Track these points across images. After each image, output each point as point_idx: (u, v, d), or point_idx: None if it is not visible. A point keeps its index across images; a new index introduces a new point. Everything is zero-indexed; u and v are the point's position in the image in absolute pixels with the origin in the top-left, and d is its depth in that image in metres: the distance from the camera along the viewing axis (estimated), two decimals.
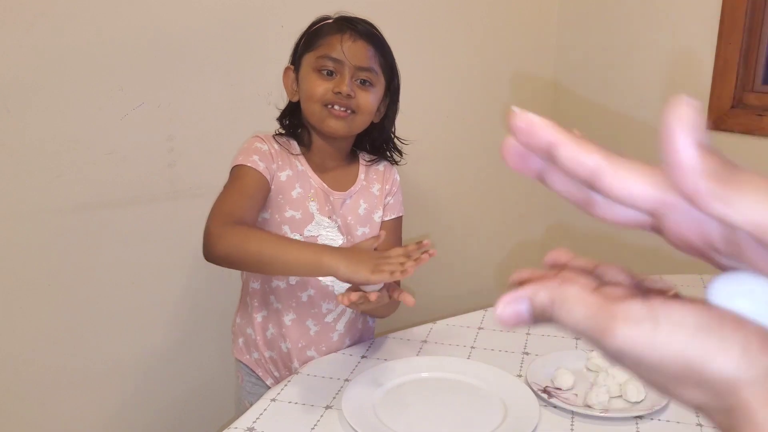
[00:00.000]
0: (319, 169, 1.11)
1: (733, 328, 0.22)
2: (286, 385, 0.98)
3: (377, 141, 1.16)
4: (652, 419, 0.89)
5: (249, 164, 1.03)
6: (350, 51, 1.03)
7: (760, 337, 0.21)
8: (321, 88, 1.04)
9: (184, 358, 1.50)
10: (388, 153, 1.18)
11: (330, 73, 1.04)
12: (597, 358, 1.02)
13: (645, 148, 1.79)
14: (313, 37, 1.07)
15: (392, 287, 0.93)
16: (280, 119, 1.14)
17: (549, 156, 0.24)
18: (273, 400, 0.94)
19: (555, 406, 0.92)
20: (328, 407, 0.92)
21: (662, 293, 0.26)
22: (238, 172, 1.04)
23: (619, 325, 0.23)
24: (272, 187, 1.06)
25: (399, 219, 1.19)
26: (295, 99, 1.10)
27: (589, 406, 0.91)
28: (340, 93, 1.02)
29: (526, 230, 2.12)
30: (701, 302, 0.23)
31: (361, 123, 1.08)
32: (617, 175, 0.23)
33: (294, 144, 1.11)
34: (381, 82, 1.09)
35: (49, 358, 1.33)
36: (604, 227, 1.87)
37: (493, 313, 0.25)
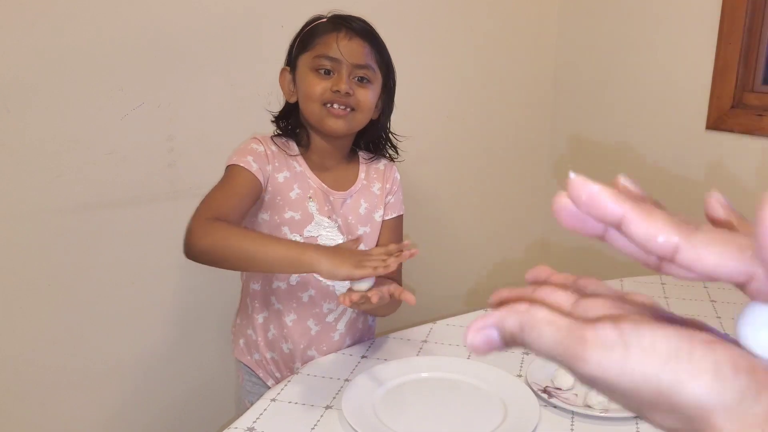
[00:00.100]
0: (319, 169, 1.11)
1: (703, 353, 0.21)
2: (286, 385, 0.98)
3: (374, 138, 1.17)
4: None
5: (242, 164, 1.03)
6: (346, 49, 1.03)
7: (731, 361, 0.21)
8: (319, 87, 1.04)
9: (184, 358, 1.50)
10: (385, 149, 1.18)
11: (327, 72, 1.04)
12: None
13: (645, 147, 1.80)
14: (308, 37, 1.07)
15: (394, 286, 0.93)
16: (277, 121, 1.14)
17: (616, 227, 0.23)
18: (273, 400, 0.94)
19: (555, 406, 0.92)
20: (328, 407, 0.92)
21: (642, 306, 0.25)
22: (230, 171, 1.04)
23: (590, 350, 0.22)
24: (268, 188, 1.06)
25: (400, 218, 1.19)
26: (292, 100, 1.10)
27: (589, 406, 0.91)
28: (338, 91, 1.02)
29: (527, 230, 2.12)
30: (672, 326, 0.22)
31: (360, 120, 1.08)
32: (697, 252, 0.22)
33: (292, 145, 1.11)
34: (378, 79, 1.09)
35: (49, 358, 1.33)
36: None
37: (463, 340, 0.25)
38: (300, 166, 1.10)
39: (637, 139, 1.81)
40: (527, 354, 1.08)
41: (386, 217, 1.16)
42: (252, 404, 0.94)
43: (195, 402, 1.54)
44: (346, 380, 0.99)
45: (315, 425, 0.88)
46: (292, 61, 1.10)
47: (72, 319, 1.34)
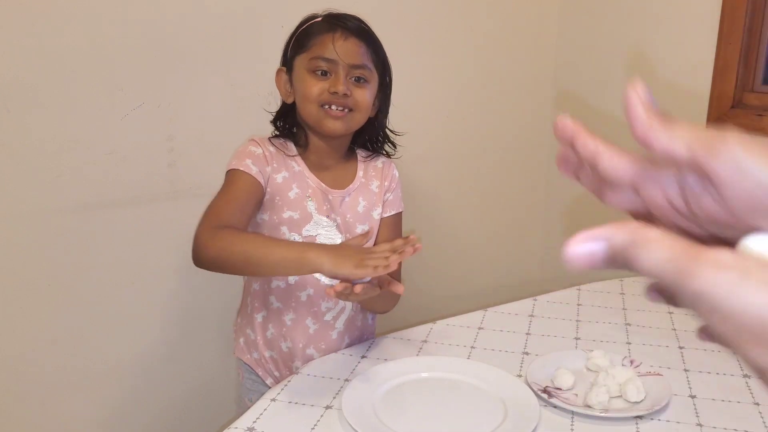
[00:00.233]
0: (317, 168, 1.12)
1: None
2: (286, 385, 0.98)
3: (371, 135, 1.17)
4: (652, 419, 0.89)
5: (241, 168, 1.04)
6: (342, 50, 1.03)
7: None
8: (316, 88, 1.04)
9: (184, 357, 1.50)
10: (382, 147, 1.18)
11: (324, 73, 1.04)
12: (597, 358, 1.02)
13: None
14: (303, 37, 1.07)
15: (384, 279, 0.93)
16: (275, 121, 1.14)
17: (572, 145, 0.32)
18: (273, 400, 0.94)
19: (555, 406, 0.92)
20: (328, 407, 0.92)
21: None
22: (230, 177, 1.05)
23: (704, 265, 0.22)
24: (268, 189, 1.07)
25: (399, 215, 1.19)
26: (290, 100, 1.10)
27: (589, 406, 0.91)
28: (336, 93, 1.03)
29: (526, 230, 2.12)
30: None
31: (359, 120, 1.08)
32: (609, 155, 0.30)
33: (290, 145, 1.12)
34: (374, 78, 1.09)
35: (49, 358, 1.33)
36: (603, 223, 1.86)
37: (562, 253, 0.25)
38: (298, 165, 1.10)
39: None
40: (527, 354, 1.08)
41: (385, 215, 1.16)
42: (252, 402, 0.94)
43: (195, 402, 1.54)
44: (346, 380, 0.99)
45: (315, 425, 0.88)
46: (288, 62, 1.10)
47: (72, 319, 1.35)
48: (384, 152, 1.19)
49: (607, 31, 1.86)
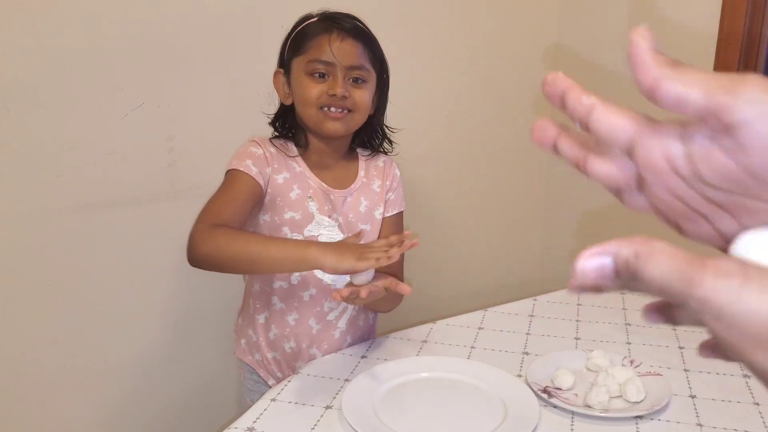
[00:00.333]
0: (318, 168, 1.12)
1: None
2: (286, 385, 0.98)
3: (370, 133, 1.17)
4: (652, 419, 0.89)
5: (241, 168, 1.04)
6: (339, 51, 1.03)
7: None
8: (315, 91, 1.04)
9: (184, 357, 1.50)
10: (381, 145, 1.18)
11: (322, 76, 1.04)
12: (597, 358, 1.02)
13: None
14: (299, 39, 1.07)
15: (389, 280, 0.93)
16: (273, 123, 1.14)
17: (562, 100, 0.29)
18: (273, 400, 0.94)
19: (555, 406, 0.92)
20: (328, 407, 0.92)
21: None
22: (230, 177, 1.05)
23: (708, 274, 0.22)
24: (268, 190, 1.07)
25: (400, 214, 1.19)
26: (288, 102, 1.10)
27: (589, 406, 0.91)
28: (334, 95, 1.03)
29: (526, 230, 2.12)
30: None
31: (358, 121, 1.08)
32: (606, 110, 0.28)
33: (291, 146, 1.12)
34: (372, 77, 1.09)
35: (49, 358, 1.33)
36: (603, 223, 1.87)
37: (571, 269, 0.25)
38: (299, 166, 1.10)
39: None
40: (527, 354, 1.08)
41: (387, 214, 1.16)
42: (254, 402, 0.95)
43: (195, 402, 1.54)
44: (346, 380, 0.99)
45: (315, 425, 0.88)
46: (285, 63, 1.10)
47: (72, 319, 1.35)
48: (382, 150, 1.19)
49: (607, 31, 1.86)
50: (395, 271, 1.08)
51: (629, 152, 0.28)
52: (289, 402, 0.93)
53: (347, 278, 0.94)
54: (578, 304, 1.29)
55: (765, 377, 0.23)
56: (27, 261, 1.28)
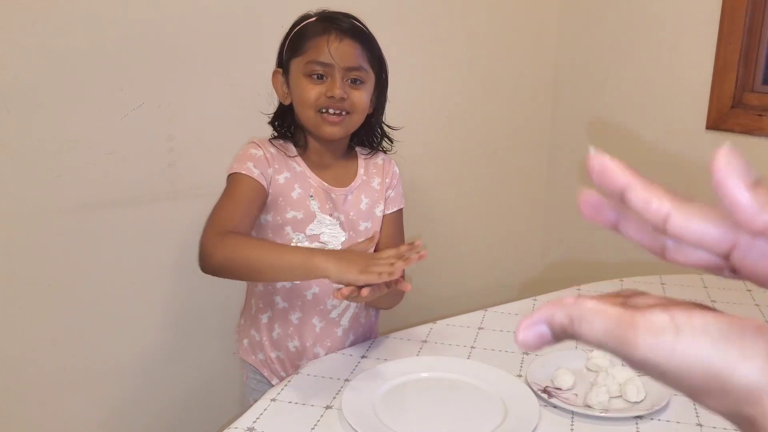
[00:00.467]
0: (318, 167, 1.12)
1: (754, 337, 0.21)
2: (286, 385, 0.98)
3: (369, 132, 1.17)
4: (652, 419, 0.89)
5: (243, 171, 1.04)
6: (338, 52, 1.03)
7: None
8: (313, 92, 1.04)
9: (185, 357, 1.50)
10: (380, 144, 1.18)
11: (320, 77, 1.04)
12: (597, 358, 1.02)
13: (645, 147, 1.80)
14: (297, 39, 1.06)
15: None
16: (272, 123, 1.14)
17: (621, 199, 0.25)
18: (273, 400, 0.94)
19: (555, 406, 0.92)
20: (328, 407, 0.92)
21: (687, 305, 0.25)
22: (232, 181, 1.05)
23: (641, 334, 0.23)
24: (270, 190, 1.07)
25: (400, 211, 1.19)
26: (287, 102, 1.10)
27: (589, 406, 0.91)
28: (333, 97, 1.02)
29: (526, 230, 2.12)
30: (723, 312, 0.23)
31: (356, 122, 1.08)
32: (687, 218, 0.23)
33: (290, 146, 1.12)
34: (371, 77, 1.09)
35: (49, 358, 1.33)
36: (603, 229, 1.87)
37: (514, 338, 0.25)
38: (299, 166, 1.10)
39: (638, 139, 1.81)
40: (527, 354, 1.08)
41: (387, 212, 1.17)
42: (256, 402, 0.95)
43: (195, 402, 1.54)
44: (346, 380, 0.99)
45: (315, 425, 0.88)
46: (283, 64, 1.10)
47: (72, 319, 1.34)
48: (381, 148, 1.19)
49: (607, 31, 1.86)
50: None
51: (724, 257, 0.24)
52: (289, 402, 0.93)
53: None
54: None
55: (727, 419, 0.23)
56: (27, 261, 1.28)
